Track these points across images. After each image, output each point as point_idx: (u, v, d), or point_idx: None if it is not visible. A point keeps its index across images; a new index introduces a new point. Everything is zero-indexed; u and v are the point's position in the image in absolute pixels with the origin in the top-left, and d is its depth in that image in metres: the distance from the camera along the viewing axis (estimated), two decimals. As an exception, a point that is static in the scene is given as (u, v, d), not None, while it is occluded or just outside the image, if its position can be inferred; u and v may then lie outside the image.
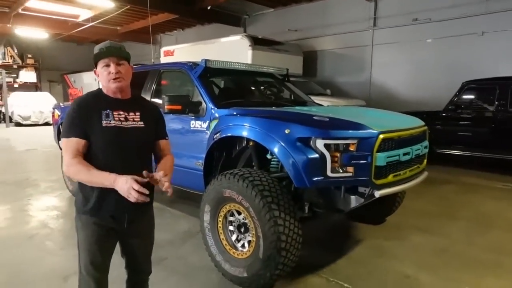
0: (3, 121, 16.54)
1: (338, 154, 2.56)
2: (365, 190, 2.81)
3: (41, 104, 16.09)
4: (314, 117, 2.96)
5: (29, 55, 19.53)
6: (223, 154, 3.51)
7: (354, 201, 2.93)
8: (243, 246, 2.87)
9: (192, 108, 3.54)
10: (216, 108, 3.43)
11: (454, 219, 4.35)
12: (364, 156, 2.60)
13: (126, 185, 1.54)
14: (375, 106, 7.64)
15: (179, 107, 3.44)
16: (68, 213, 4.50)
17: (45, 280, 2.90)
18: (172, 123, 3.65)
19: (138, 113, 1.81)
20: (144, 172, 1.63)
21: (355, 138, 2.60)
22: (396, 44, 10.09)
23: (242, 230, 2.85)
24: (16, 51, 19.11)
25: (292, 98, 4.77)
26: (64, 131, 1.71)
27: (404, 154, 2.85)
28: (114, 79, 1.72)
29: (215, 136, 3.22)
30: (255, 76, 4.76)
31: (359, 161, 2.59)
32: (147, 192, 1.52)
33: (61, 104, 6.46)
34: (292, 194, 2.97)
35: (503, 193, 5.49)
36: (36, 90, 19.51)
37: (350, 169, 2.58)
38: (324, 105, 4.76)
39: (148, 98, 3.97)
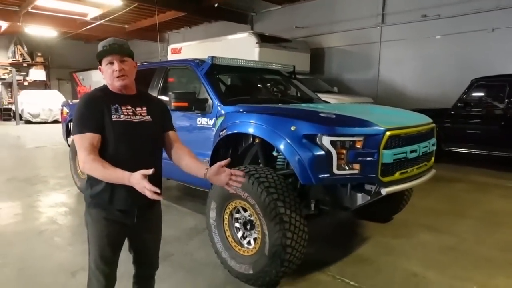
0: (13, 119, 16.76)
1: (344, 151, 2.55)
2: (371, 188, 2.78)
3: (50, 102, 16.26)
4: (320, 114, 2.95)
5: (39, 54, 19.73)
6: (229, 151, 3.51)
7: (361, 198, 2.90)
8: (249, 243, 2.88)
9: (198, 105, 3.55)
10: (222, 105, 3.43)
11: (463, 217, 4.31)
12: (370, 153, 2.58)
13: (139, 186, 1.54)
14: (383, 103, 7.58)
15: (185, 104, 3.45)
16: (76, 209, 4.55)
17: (53, 275, 2.94)
18: (178, 120, 3.66)
19: (144, 108, 1.83)
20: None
21: (362, 135, 2.58)
22: (405, 40, 9.98)
23: (248, 227, 2.86)
24: (26, 49, 19.31)
25: (299, 95, 4.75)
26: (76, 127, 1.69)
27: (411, 152, 2.83)
28: (118, 77, 1.72)
29: (221, 133, 3.22)
30: (261, 73, 4.75)
31: (366, 158, 2.57)
32: (158, 190, 1.53)
33: (70, 101, 6.52)
34: (298, 191, 2.96)
35: (513, 192, 5.41)
36: (45, 88, 19.72)
37: (357, 166, 2.57)
38: (331, 103, 4.73)
39: (155, 95, 3.98)
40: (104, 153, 1.70)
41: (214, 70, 3.83)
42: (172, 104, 3.35)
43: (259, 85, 4.83)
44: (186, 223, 4.07)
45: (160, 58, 12.48)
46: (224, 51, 8.61)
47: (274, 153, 3.08)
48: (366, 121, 2.72)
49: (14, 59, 18.97)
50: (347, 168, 2.56)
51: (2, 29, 16.28)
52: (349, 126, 2.66)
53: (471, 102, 6.89)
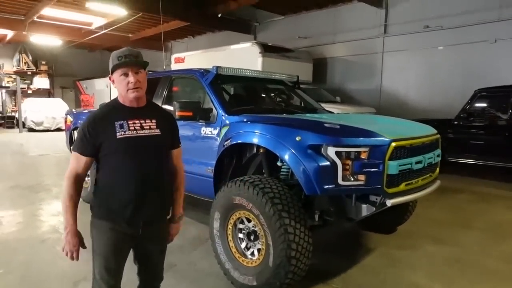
0: (16, 127, 16.82)
1: (350, 162, 2.55)
2: (376, 199, 2.76)
3: (54, 110, 16.34)
4: (325, 125, 2.95)
5: (43, 62, 19.87)
6: (234, 161, 3.51)
7: (365, 209, 2.87)
8: (252, 254, 2.86)
9: (203, 115, 3.55)
10: (226, 115, 3.44)
11: (468, 228, 4.27)
12: (376, 164, 2.57)
13: (66, 244, 1.75)
14: (385, 113, 7.58)
15: (190, 113, 3.45)
16: (78, 218, 4.51)
17: (55, 284, 2.92)
18: (183, 130, 3.62)
19: (154, 121, 1.83)
20: None
21: (367, 146, 2.58)
22: (407, 51, 10.03)
23: (252, 237, 2.84)
24: (30, 58, 19.48)
25: (303, 105, 4.76)
26: (76, 146, 1.78)
27: (417, 163, 2.81)
28: (133, 88, 1.73)
29: (226, 142, 3.22)
30: (265, 83, 4.77)
31: (371, 169, 2.56)
32: (75, 260, 1.76)
33: (73, 110, 6.55)
34: (303, 202, 2.94)
35: (518, 203, 5.37)
36: (49, 96, 19.82)
37: (362, 177, 2.56)
38: (334, 112, 4.73)
39: (159, 104, 4.00)
40: (111, 165, 1.72)
41: (219, 80, 3.85)
42: (177, 113, 3.36)
43: (263, 95, 4.84)
44: (189, 233, 4.04)
45: (164, 67, 12.56)
46: (227, 60, 8.66)
47: (279, 163, 3.07)
48: (372, 132, 2.71)
49: (19, 67, 19.12)
50: (352, 179, 2.56)
51: (8, 38, 16.44)
52: (354, 137, 2.66)
53: (474, 113, 6.88)
